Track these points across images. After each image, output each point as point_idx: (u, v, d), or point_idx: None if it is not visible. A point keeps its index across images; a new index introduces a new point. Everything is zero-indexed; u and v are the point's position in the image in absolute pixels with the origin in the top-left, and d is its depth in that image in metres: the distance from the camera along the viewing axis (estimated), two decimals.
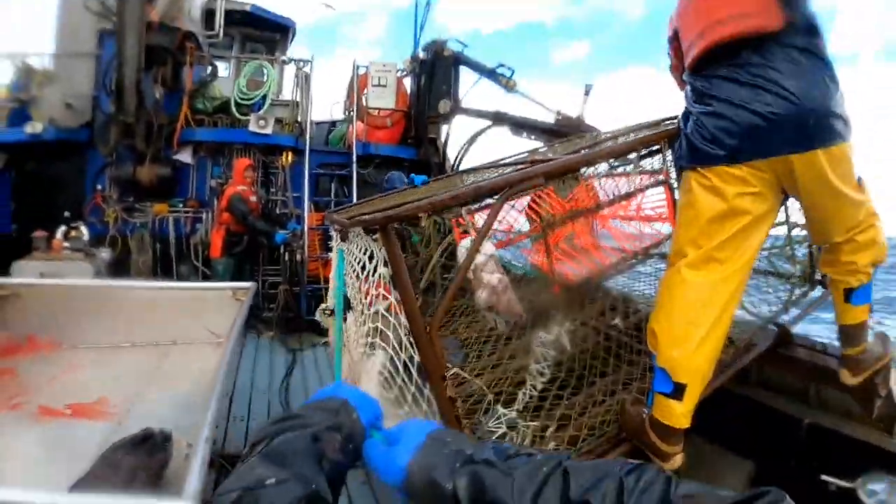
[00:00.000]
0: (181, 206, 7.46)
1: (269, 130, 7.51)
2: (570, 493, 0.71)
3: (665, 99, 2.62)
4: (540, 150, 3.88)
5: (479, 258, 2.42)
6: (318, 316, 2.55)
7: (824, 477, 2.32)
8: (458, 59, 7.99)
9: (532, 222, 3.07)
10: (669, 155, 2.34)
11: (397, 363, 1.63)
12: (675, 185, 2.31)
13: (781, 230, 2.71)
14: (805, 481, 2.45)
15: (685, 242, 1.96)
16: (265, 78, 7.82)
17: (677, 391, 1.90)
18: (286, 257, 7.08)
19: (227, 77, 8.96)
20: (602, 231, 3.46)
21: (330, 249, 2.47)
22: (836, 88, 1.78)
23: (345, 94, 8.86)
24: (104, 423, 2.63)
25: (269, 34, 10.20)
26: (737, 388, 2.86)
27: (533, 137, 7.54)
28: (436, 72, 8.01)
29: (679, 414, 1.92)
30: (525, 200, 2.96)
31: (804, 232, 2.81)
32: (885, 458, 2.30)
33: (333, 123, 9.66)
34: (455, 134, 8.69)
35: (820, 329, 3.79)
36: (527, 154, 3.01)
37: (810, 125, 1.75)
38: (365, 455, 0.87)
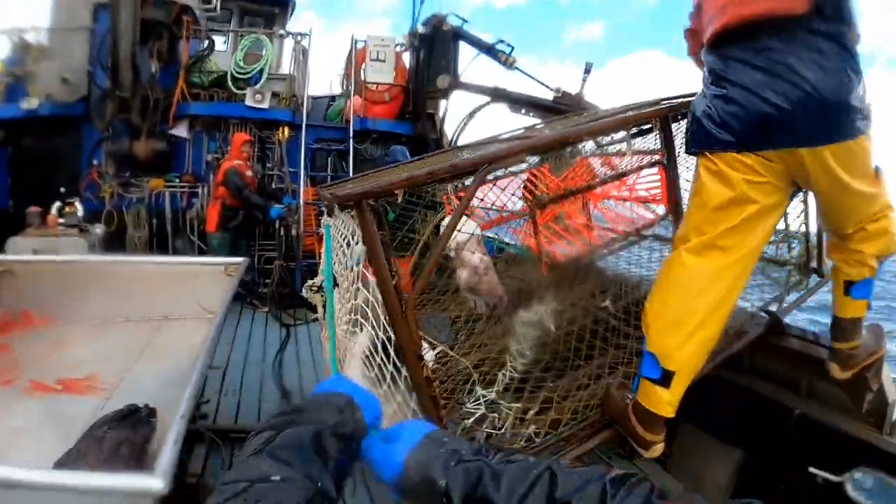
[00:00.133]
0: (177, 180, 7.44)
1: (265, 105, 7.46)
2: (556, 494, 0.74)
3: (680, 83, 2.56)
4: (537, 126, 3.84)
5: (461, 237, 2.40)
6: (304, 292, 2.55)
7: (812, 470, 2.30)
8: (457, 35, 7.87)
9: (527, 202, 3.04)
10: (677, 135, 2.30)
11: (376, 343, 1.64)
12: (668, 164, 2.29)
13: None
14: (793, 473, 2.45)
15: (690, 229, 1.92)
16: (263, 52, 7.74)
17: (665, 378, 1.85)
18: (282, 232, 7.08)
19: (225, 51, 8.88)
20: (595, 212, 3.43)
21: None
22: (858, 80, 1.68)
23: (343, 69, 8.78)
24: (94, 399, 2.66)
25: (268, 8, 10.08)
26: (727, 376, 2.84)
27: (532, 114, 7.46)
28: (434, 47, 7.90)
29: (665, 402, 1.87)
30: (521, 179, 2.93)
31: (801, 219, 2.80)
32: (874, 453, 2.30)
33: (333, 98, 9.58)
34: (453, 110, 8.62)
35: (804, 316, 3.74)
36: (523, 130, 2.97)
37: (824, 119, 1.67)
38: (363, 451, 0.89)
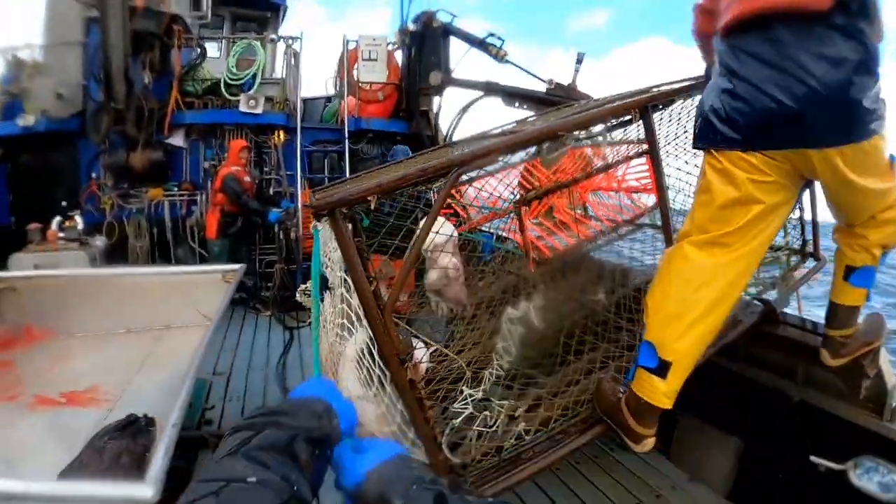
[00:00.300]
0: (176, 189, 7.49)
1: (259, 110, 7.48)
2: None
3: (686, 71, 2.51)
4: (529, 119, 3.85)
5: (439, 238, 2.41)
6: (298, 296, 2.58)
7: (813, 458, 2.29)
8: (447, 30, 7.87)
9: (521, 195, 3.05)
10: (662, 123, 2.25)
11: (363, 347, 1.67)
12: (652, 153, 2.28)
13: None
14: (794, 460, 2.45)
15: (694, 226, 1.88)
16: (256, 57, 7.76)
17: (661, 368, 1.82)
18: (281, 236, 7.12)
19: (218, 57, 8.91)
20: (586, 205, 3.44)
21: None
22: (873, 80, 1.59)
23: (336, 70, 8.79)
24: (96, 410, 2.72)
25: (260, 12, 10.07)
26: (725, 365, 2.84)
27: (525, 107, 7.45)
28: (425, 44, 7.89)
29: (661, 392, 1.84)
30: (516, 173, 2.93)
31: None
32: (874, 440, 2.27)
33: (328, 99, 9.60)
34: (447, 105, 8.61)
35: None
36: (514, 124, 2.98)
37: (832, 118, 1.60)
38: (333, 457, 0.89)
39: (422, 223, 1.57)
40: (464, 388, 1.92)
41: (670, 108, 2.43)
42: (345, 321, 1.81)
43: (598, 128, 2.23)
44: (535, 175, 3.04)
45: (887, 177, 1.83)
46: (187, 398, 1.80)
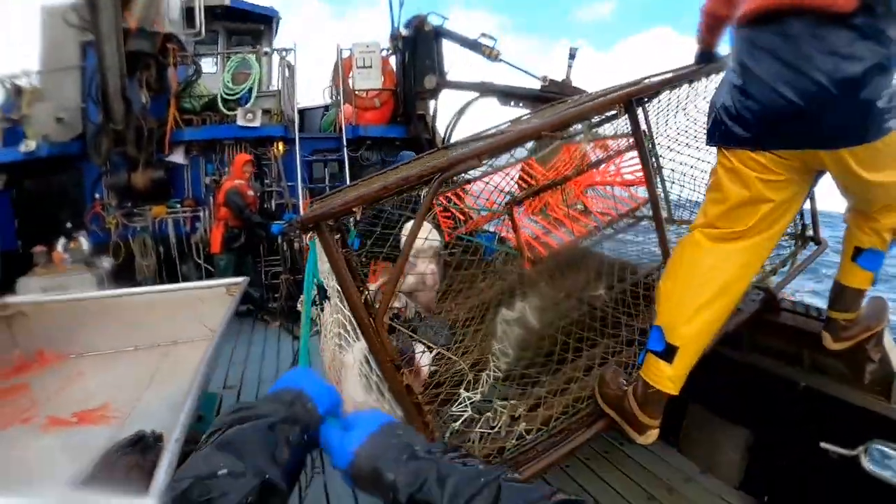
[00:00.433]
0: (179, 206, 7.55)
1: (257, 123, 7.53)
2: None
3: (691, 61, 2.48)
4: (523, 117, 3.87)
5: (420, 243, 2.42)
6: (299, 307, 2.62)
7: (824, 445, 2.27)
8: (439, 33, 7.90)
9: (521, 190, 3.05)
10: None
11: (358, 354, 1.70)
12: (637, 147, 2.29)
13: None
14: (803, 448, 2.44)
15: (706, 221, 1.89)
16: (251, 70, 7.82)
17: (668, 352, 1.83)
18: (285, 247, 7.16)
19: (214, 73, 8.97)
20: (581, 201, 3.46)
21: None
22: (887, 79, 1.54)
23: (331, 79, 8.85)
24: (107, 428, 2.76)
25: (254, 25, 10.12)
26: (730, 354, 2.84)
27: (521, 105, 7.47)
28: (418, 48, 7.92)
29: (666, 377, 1.84)
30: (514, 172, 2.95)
31: None
32: (883, 423, 2.25)
33: (326, 108, 9.65)
34: (444, 108, 8.63)
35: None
36: (509, 123, 3.00)
37: (842, 118, 1.57)
38: (321, 438, 0.91)
39: (405, 229, 1.60)
40: (462, 391, 1.93)
41: (673, 96, 2.44)
42: (341, 331, 1.84)
43: (583, 125, 2.24)
44: (532, 175, 3.07)
45: None
46: (191, 413, 1.84)
